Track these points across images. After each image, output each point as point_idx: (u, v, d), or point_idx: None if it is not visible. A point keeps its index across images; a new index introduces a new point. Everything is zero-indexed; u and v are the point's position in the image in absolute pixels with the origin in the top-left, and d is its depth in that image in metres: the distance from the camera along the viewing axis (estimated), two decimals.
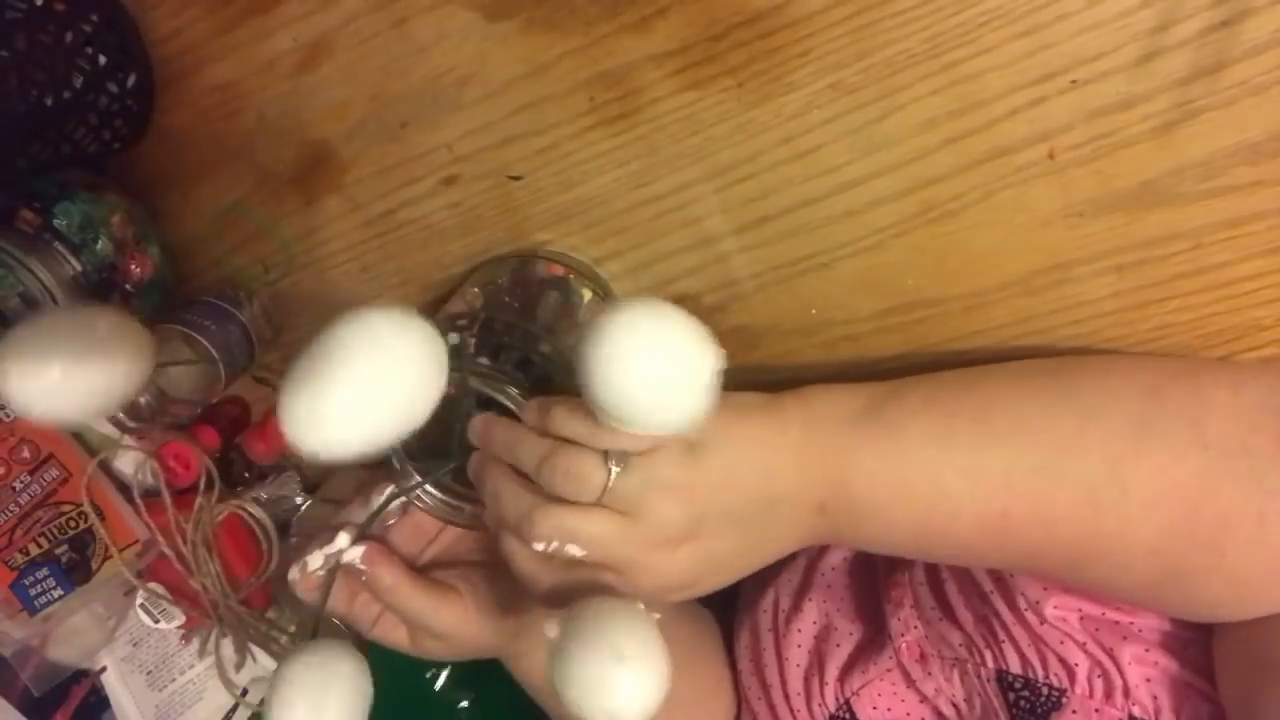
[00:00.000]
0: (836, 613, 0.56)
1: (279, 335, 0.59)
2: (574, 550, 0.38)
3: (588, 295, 0.50)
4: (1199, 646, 0.44)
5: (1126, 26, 0.40)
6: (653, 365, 0.33)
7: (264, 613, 0.64)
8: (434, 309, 0.54)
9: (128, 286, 0.53)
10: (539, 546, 0.38)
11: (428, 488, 0.47)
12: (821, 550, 0.59)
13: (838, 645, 0.54)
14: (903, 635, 0.51)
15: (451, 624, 0.46)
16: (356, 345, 0.34)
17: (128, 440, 0.61)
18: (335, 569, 0.45)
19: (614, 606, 0.34)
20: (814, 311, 0.50)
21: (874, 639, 0.54)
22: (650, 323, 0.33)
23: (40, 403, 0.37)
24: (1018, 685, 0.46)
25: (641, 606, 0.35)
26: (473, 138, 0.50)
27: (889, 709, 0.50)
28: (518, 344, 0.46)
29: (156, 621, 0.62)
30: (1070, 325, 0.47)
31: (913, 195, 0.46)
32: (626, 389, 0.33)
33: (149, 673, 0.66)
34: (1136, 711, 0.42)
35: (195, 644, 0.65)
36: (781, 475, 0.40)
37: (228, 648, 0.62)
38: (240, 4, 0.50)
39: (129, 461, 0.62)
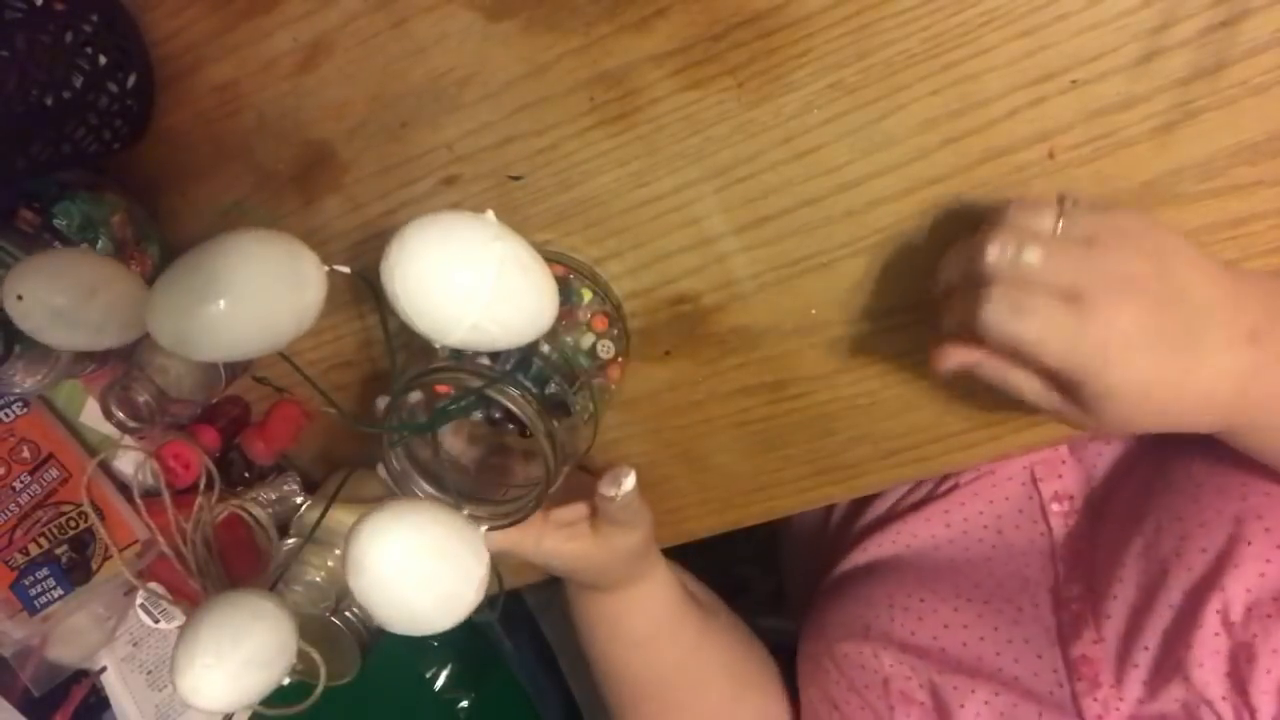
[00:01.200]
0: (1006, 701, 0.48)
1: None
2: (1027, 333, 0.36)
3: (588, 295, 0.50)
4: None
5: (1126, 27, 0.40)
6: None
7: None
8: None
9: None
10: (993, 309, 0.37)
11: (422, 485, 0.47)
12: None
13: None
14: (1101, 718, 0.45)
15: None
16: (222, 255, 0.38)
17: (128, 440, 0.61)
18: None
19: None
20: (814, 311, 0.50)
21: None
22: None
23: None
24: None
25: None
26: (473, 138, 0.50)
27: None
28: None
29: (156, 621, 0.62)
30: None
31: (913, 195, 0.46)
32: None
33: (149, 673, 0.66)
34: None
35: None
36: (1218, 285, 0.38)
37: None
38: (240, 4, 0.50)
39: (129, 461, 0.62)
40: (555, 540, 0.50)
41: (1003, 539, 0.56)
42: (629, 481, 0.47)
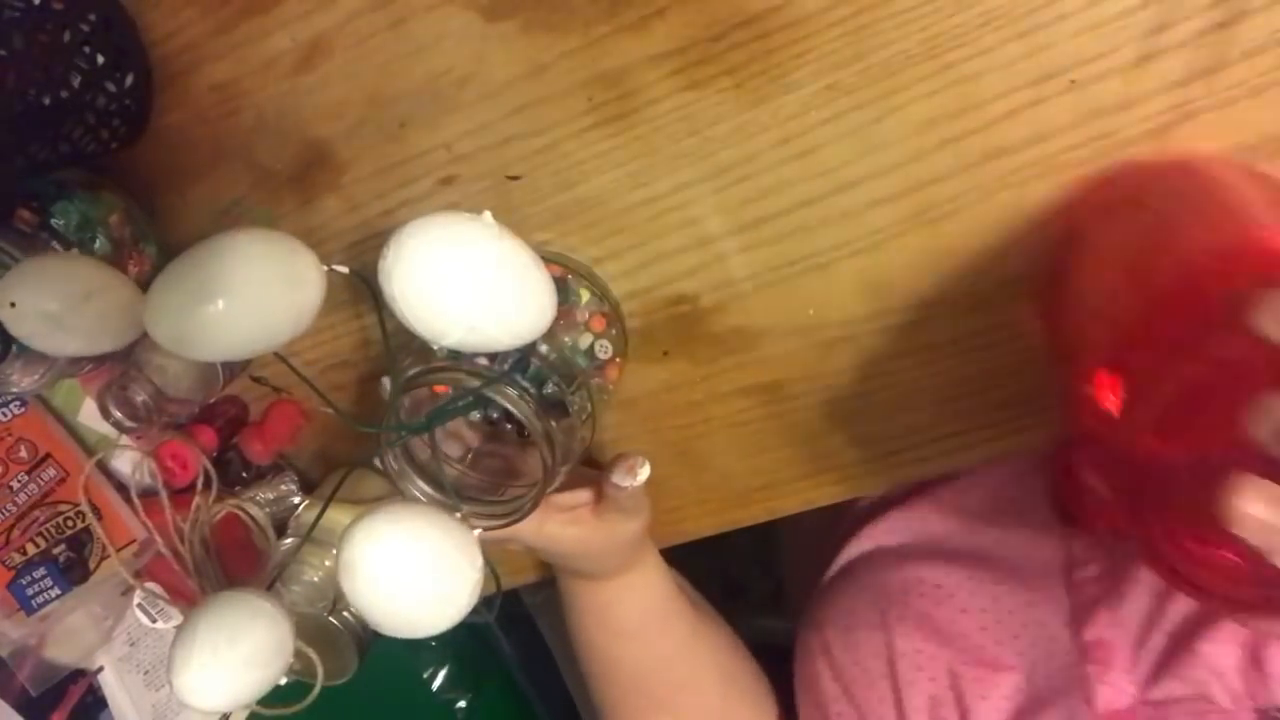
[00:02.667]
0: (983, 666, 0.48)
1: None
2: None
3: (586, 296, 0.50)
4: None
5: (1125, 28, 0.40)
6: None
7: None
8: None
9: None
10: None
11: (419, 485, 0.47)
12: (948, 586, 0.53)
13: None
14: (1111, 702, 0.44)
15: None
16: (220, 255, 0.38)
17: (125, 440, 0.61)
18: None
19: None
20: (811, 312, 0.50)
21: (1049, 701, 0.46)
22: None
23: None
24: None
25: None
26: (471, 138, 0.50)
27: None
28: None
29: (154, 621, 0.62)
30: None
31: (910, 196, 0.46)
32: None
33: (146, 672, 0.66)
34: None
35: None
36: None
37: None
38: (238, 4, 0.50)
39: (127, 461, 0.62)
40: (556, 525, 0.50)
41: (1013, 520, 0.56)
42: (644, 472, 0.46)
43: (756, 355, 0.53)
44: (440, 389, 0.47)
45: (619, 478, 0.47)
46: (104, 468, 0.62)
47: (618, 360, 0.51)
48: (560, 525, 0.50)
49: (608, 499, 0.49)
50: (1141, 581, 0.46)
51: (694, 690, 0.57)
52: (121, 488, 0.61)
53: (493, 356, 0.45)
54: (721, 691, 0.57)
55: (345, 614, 0.56)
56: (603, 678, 0.58)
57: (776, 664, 0.62)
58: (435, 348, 0.44)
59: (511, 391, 0.43)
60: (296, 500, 0.63)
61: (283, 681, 0.46)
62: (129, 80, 0.51)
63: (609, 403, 0.55)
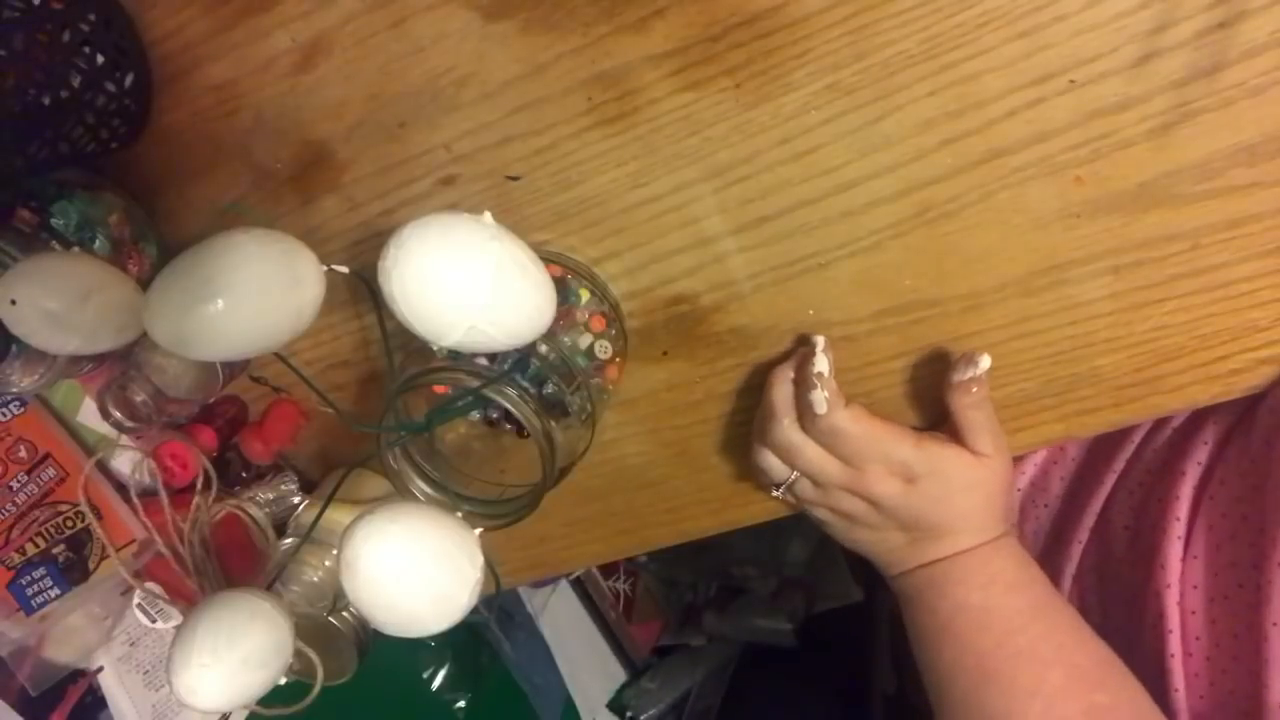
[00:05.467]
0: None
1: None
2: None
3: (585, 295, 0.50)
4: None
5: (1124, 28, 0.40)
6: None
7: None
8: None
9: None
10: None
11: (418, 485, 0.47)
12: None
13: None
14: None
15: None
16: (219, 255, 0.38)
17: (125, 440, 0.61)
18: None
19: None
20: (811, 312, 0.51)
21: None
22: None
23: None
24: None
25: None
26: (471, 138, 0.50)
27: None
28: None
29: (154, 621, 0.62)
30: (1067, 326, 0.48)
31: (910, 196, 0.46)
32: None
33: (146, 672, 0.66)
34: None
35: None
36: None
37: None
38: (238, 3, 0.50)
39: (126, 461, 0.62)
40: (937, 441, 0.48)
41: None
42: (985, 360, 0.44)
43: (756, 355, 0.53)
44: (440, 389, 0.47)
45: (957, 374, 0.45)
46: (104, 468, 0.62)
47: (618, 360, 0.52)
48: (941, 442, 0.48)
49: (958, 416, 0.46)
50: None
51: (1120, 671, 0.47)
52: (121, 488, 0.61)
53: (493, 356, 0.45)
54: (1135, 682, 0.47)
55: (345, 614, 0.56)
56: (996, 648, 0.47)
57: (777, 664, 0.62)
58: (435, 348, 0.44)
59: (511, 391, 0.43)
60: (296, 500, 0.63)
61: (283, 681, 0.46)
62: (129, 80, 0.51)
63: (609, 403, 0.55)
